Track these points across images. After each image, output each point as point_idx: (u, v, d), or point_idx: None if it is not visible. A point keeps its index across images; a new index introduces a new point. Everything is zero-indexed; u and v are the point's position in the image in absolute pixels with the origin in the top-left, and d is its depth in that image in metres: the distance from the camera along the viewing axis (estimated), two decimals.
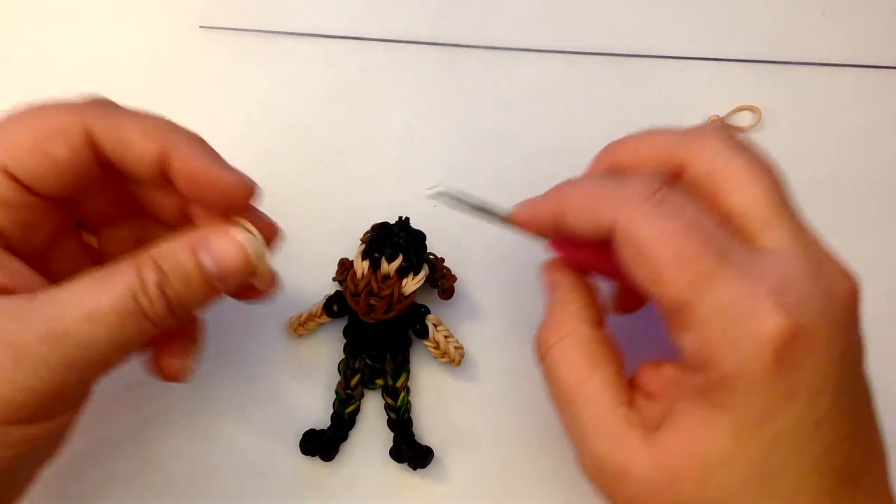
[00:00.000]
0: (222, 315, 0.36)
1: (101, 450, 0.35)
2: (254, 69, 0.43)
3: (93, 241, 0.31)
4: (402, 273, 0.35)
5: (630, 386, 0.27)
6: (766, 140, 0.43)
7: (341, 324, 0.38)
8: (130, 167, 0.27)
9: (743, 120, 0.44)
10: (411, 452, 0.35)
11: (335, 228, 0.40)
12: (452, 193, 0.29)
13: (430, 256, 0.37)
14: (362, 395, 0.37)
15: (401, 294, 0.35)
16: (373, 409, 0.37)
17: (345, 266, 0.37)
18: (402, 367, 0.37)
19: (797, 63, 0.45)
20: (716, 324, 0.23)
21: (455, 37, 0.44)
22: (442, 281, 0.37)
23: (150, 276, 0.25)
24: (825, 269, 0.25)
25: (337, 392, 0.37)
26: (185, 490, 0.35)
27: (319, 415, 0.37)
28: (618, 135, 0.43)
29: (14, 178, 0.25)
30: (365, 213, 0.38)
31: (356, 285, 0.35)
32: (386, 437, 0.37)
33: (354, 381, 0.37)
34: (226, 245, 0.26)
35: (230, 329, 0.37)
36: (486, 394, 0.37)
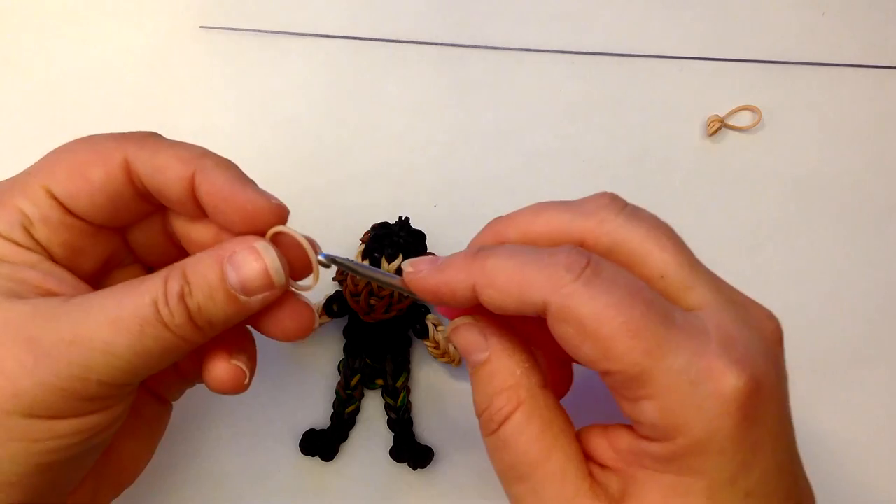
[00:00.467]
0: None
1: None
2: (254, 69, 0.43)
3: None
4: (402, 273, 0.35)
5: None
6: (766, 140, 0.43)
7: (341, 324, 0.38)
8: (163, 190, 0.27)
9: (743, 120, 0.44)
10: (411, 452, 0.35)
11: (335, 228, 0.40)
12: (340, 260, 0.27)
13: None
14: (362, 395, 0.37)
15: (401, 294, 0.35)
16: (373, 409, 0.37)
17: None
18: (402, 367, 0.37)
19: (797, 63, 0.45)
20: (678, 389, 0.22)
21: (455, 37, 0.44)
22: None
23: (174, 286, 0.25)
24: (753, 316, 0.25)
25: (337, 392, 0.37)
26: (185, 490, 0.35)
27: (319, 415, 0.37)
28: (618, 135, 0.43)
29: (55, 198, 0.27)
30: (365, 213, 0.38)
31: (356, 285, 0.35)
32: (386, 437, 0.37)
33: (354, 381, 0.37)
34: (248, 257, 0.26)
35: None
36: None
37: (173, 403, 0.32)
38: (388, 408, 0.36)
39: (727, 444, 0.22)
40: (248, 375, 0.28)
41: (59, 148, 0.28)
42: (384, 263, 0.35)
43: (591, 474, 0.25)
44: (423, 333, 0.36)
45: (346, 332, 0.37)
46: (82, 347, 0.24)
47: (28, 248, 0.27)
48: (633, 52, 0.45)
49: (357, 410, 0.37)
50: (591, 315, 0.23)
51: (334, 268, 0.28)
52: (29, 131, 0.41)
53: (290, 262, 0.27)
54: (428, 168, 0.42)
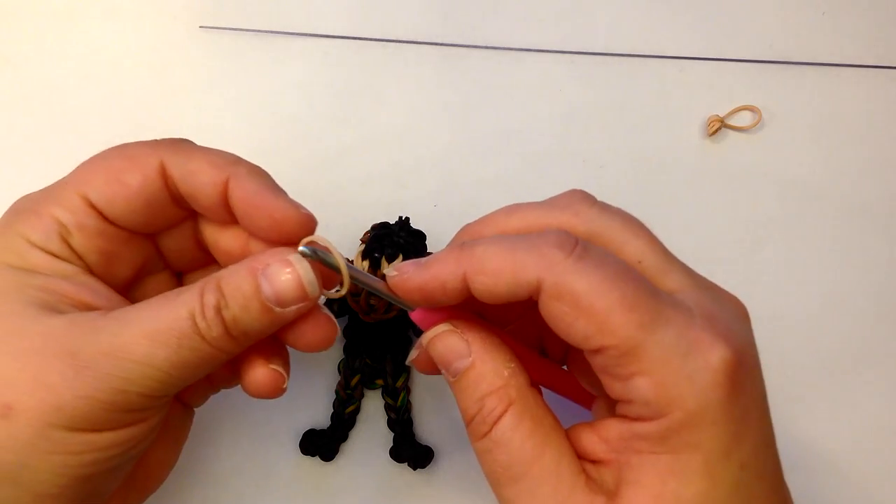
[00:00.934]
0: None
1: None
2: (254, 69, 0.43)
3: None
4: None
5: None
6: (766, 140, 0.44)
7: (341, 324, 0.38)
8: (196, 195, 0.28)
9: (743, 120, 0.44)
10: (411, 452, 0.35)
11: (335, 228, 0.40)
12: (321, 254, 0.27)
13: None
14: (362, 395, 0.37)
15: None
16: (373, 409, 0.37)
17: None
18: (402, 367, 0.37)
19: (797, 63, 0.45)
20: (670, 363, 0.23)
21: (455, 37, 0.44)
22: None
23: (210, 299, 0.25)
24: (725, 298, 0.26)
25: (337, 392, 0.37)
26: (185, 490, 0.35)
27: (319, 415, 0.37)
28: (618, 135, 0.43)
29: (92, 206, 0.27)
30: (365, 213, 0.38)
31: (356, 285, 0.35)
32: (386, 437, 0.37)
33: (354, 381, 0.37)
34: (281, 269, 0.26)
35: None
36: None
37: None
38: (388, 408, 0.37)
39: (719, 415, 0.23)
40: (285, 379, 0.29)
41: (91, 158, 0.28)
42: (384, 263, 0.35)
43: (584, 471, 0.25)
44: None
45: (346, 332, 0.37)
46: (122, 360, 0.24)
47: (64, 259, 0.27)
48: (633, 52, 0.45)
49: (357, 410, 0.37)
50: (586, 290, 0.23)
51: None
52: (29, 131, 0.41)
53: (320, 271, 0.27)
54: (428, 168, 0.42)
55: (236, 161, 0.28)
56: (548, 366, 0.31)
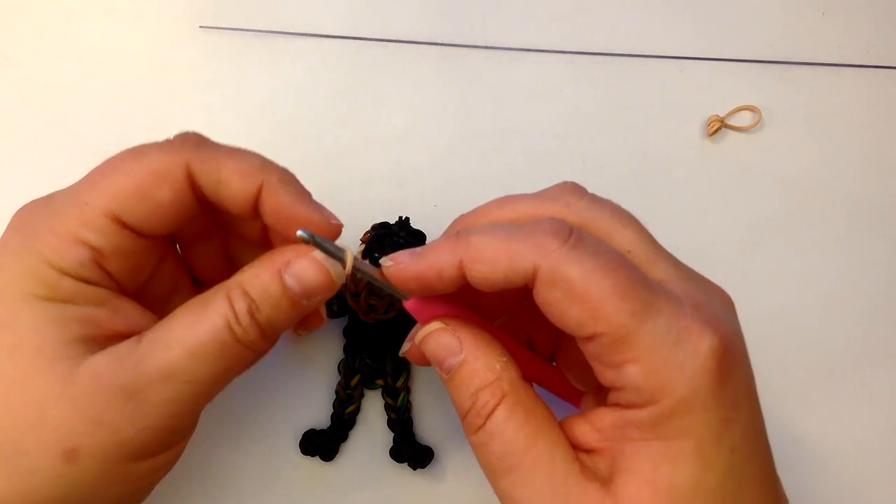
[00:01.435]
0: None
1: None
2: (254, 69, 0.43)
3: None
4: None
5: None
6: (766, 140, 0.44)
7: (341, 324, 0.38)
8: (227, 205, 0.28)
9: (743, 120, 0.44)
10: (411, 452, 0.35)
11: None
12: (320, 240, 0.26)
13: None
14: (362, 395, 0.37)
15: None
16: (373, 409, 0.37)
17: None
18: (402, 367, 0.37)
19: (797, 63, 0.45)
20: (661, 350, 0.23)
21: (455, 37, 0.44)
22: None
23: (241, 305, 0.26)
24: (711, 288, 0.27)
25: (337, 392, 0.37)
26: (185, 489, 0.35)
27: (319, 415, 0.37)
28: (618, 135, 0.43)
29: (124, 225, 0.27)
30: (365, 213, 0.38)
31: (356, 285, 0.35)
32: (386, 437, 0.37)
33: (354, 381, 0.37)
34: (308, 265, 0.27)
35: None
36: None
37: None
38: (388, 408, 0.36)
39: (709, 400, 0.23)
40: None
41: (107, 166, 0.27)
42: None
43: (578, 459, 0.25)
44: None
45: (346, 332, 0.37)
46: (172, 382, 0.25)
47: (97, 284, 0.27)
48: (633, 52, 0.45)
49: (357, 410, 0.37)
50: (581, 277, 0.23)
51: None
52: (29, 131, 0.41)
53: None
54: (428, 168, 0.42)
55: (264, 166, 0.28)
56: (537, 361, 0.31)
